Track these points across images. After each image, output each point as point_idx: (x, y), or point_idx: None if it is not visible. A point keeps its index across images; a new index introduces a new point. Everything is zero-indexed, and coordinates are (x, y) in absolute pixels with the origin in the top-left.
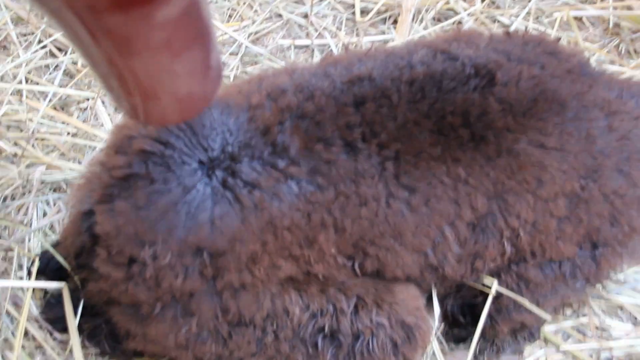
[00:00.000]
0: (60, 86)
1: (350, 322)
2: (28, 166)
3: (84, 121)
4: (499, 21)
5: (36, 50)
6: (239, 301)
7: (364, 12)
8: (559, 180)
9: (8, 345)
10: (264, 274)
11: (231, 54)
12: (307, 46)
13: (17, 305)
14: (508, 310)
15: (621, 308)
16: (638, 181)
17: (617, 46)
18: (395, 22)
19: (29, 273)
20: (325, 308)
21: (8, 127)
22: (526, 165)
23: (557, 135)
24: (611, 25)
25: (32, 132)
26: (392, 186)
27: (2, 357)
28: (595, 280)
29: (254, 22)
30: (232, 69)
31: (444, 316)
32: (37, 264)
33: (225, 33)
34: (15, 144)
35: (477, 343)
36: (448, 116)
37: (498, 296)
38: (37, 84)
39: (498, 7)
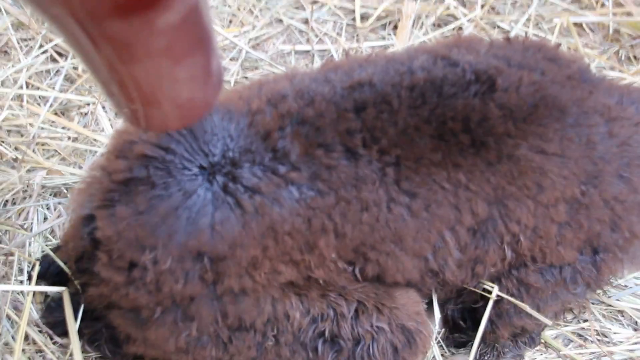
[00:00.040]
0: (61, 91)
1: (350, 327)
2: (29, 171)
3: (84, 126)
4: (499, 27)
5: (37, 56)
6: (239, 306)
7: (364, 17)
8: (560, 185)
9: (8, 350)
10: (264, 279)
11: (232, 59)
12: (307, 52)
13: (18, 309)
14: (509, 315)
15: (622, 313)
16: (638, 187)
17: (617, 52)
18: (395, 27)
19: (30, 277)
20: (326, 313)
21: (9, 132)
22: (527, 171)
23: (557, 141)
24: (611, 31)
25: (33, 137)
26: (393, 191)
27: None
28: (595, 286)
29: (254, 28)
30: (233, 75)
31: (445, 321)
32: (37, 268)
33: (226, 38)
34: (16, 148)
35: (478, 348)
36: (449, 122)
37: (498, 301)
38: (38, 89)
39: (498, 13)
